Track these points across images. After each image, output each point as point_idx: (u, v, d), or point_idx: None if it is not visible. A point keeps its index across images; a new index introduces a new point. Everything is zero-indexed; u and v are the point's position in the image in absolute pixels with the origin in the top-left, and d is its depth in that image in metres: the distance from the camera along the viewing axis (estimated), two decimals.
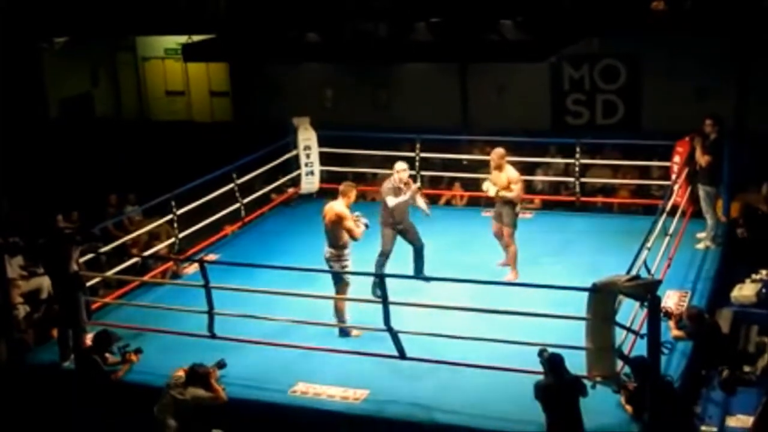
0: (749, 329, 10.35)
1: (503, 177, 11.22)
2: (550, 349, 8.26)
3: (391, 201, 10.92)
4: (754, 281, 10.98)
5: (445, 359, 9.15)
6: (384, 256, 11.04)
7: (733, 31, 14.31)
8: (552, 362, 8.13)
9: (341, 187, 10.37)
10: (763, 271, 11.11)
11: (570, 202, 13.97)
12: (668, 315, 9.70)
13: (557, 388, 8.06)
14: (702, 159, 11.71)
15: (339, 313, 10.16)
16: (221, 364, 9.31)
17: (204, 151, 16.69)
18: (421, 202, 11.44)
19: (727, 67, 15.79)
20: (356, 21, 14.49)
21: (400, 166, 11.14)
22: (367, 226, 10.22)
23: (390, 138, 14.71)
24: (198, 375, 8.90)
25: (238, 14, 15.89)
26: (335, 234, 10.10)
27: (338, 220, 10.04)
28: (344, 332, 10.12)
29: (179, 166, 15.04)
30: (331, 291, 10.16)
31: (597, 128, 17.05)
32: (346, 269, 10.07)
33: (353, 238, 10.12)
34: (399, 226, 11.07)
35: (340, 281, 10.08)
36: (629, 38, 15.91)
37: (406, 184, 11.10)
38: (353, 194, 10.30)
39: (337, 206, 10.15)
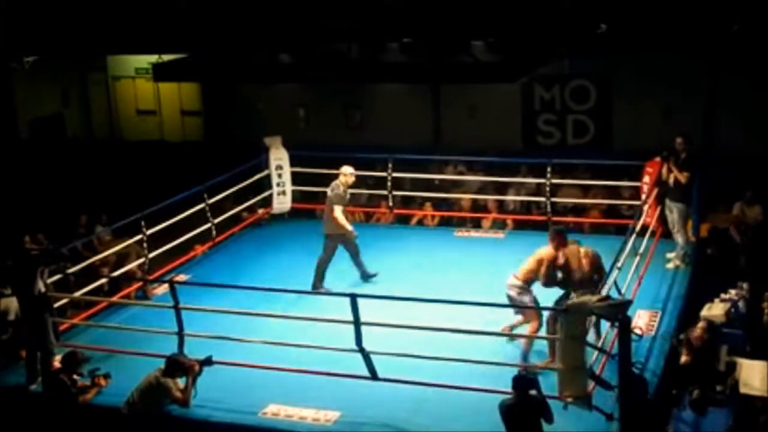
0: (719, 349, 10.37)
1: None
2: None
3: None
4: (723, 301, 10.99)
5: (416, 379, 9.11)
6: None
7: (700, 50, 14.46)
8: (517, 381, 8.11)
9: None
10: (733, 291, 11.14)
11: (541, 221, 14.00)
12: (680, 341, 9.71)
13: (518, 408, 8.04)
14: (680, 176, 11.74)
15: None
16: (208, 362, 9.22)
17: (175, 170, 16.61)
18: None
19: (694, 86, 15.95)
20: (328, 41, 14.52)
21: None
22: None
23: (362, 158, 14.70)
24: (177, 364, 8.97)
25: (210, 34, 15.86)
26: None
27: None
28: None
29: (150, 185, 14.95)
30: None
31: (568, 148, 17.15)
32: None
33: None
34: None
35: None
36: (599, 59, 16.04)
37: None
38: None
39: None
